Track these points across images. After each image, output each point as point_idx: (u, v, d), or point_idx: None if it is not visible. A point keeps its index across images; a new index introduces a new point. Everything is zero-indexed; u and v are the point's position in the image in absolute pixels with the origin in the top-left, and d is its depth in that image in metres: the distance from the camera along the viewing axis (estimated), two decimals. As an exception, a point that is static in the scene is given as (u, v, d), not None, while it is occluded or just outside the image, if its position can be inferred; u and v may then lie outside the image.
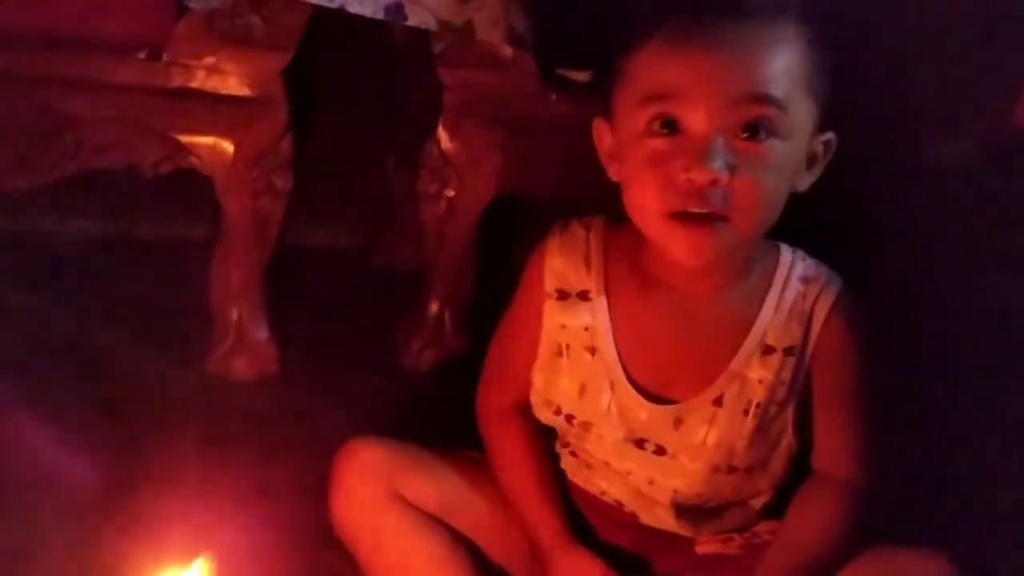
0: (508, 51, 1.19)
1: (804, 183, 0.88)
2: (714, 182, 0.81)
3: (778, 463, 0.92)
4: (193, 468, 1.09)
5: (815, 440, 0.92)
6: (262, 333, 1.27)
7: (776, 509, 0.95)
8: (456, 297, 1.32)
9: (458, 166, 1.26)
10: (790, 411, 0.90)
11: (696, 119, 0.82)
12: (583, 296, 0.92)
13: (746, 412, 0.90)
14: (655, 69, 0.83)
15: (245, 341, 1.26)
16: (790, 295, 0.90)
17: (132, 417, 1.17)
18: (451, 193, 1.27)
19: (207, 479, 1.08)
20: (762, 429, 0.90)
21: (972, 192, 1.20)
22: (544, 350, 0.93)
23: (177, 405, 1.20)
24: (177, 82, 1.17)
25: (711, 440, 0.90)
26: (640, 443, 0.91)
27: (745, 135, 0.82)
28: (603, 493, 0.95)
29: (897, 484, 0.93)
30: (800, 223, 0.89)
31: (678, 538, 0.95)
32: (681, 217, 0.83)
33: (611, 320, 0.91)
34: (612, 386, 0.91)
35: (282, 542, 1.01)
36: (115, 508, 1.02)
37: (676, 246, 0.84)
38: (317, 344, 1.34)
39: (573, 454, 0.96)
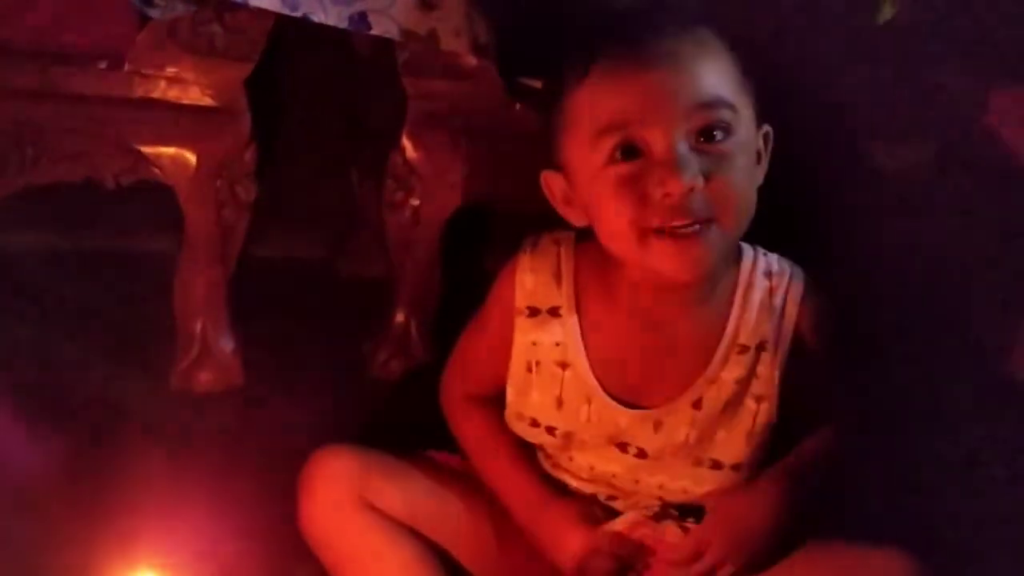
0: (472, 60, 1.19)
1: (759, 178, 0.90)
2: (691, 190, 0.82)
3: (759, 455, 0.93)
4: (158, 481, 1.08)
5: (806, 407, 0.94)
6: (227, 345, 1.26)
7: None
8: (422, 306, 1.32)
9: (423, 176, 1.26)
10: (769, 404, 0.91)
11: (655, 138, 0.83)
12: (553, 312, 0.92)
13: (724, 411, 0.91)
14: (600, 102, 0.84)
15: (210, 353, 1.25)
16: (757, 292, 0.91)
17: (94, 432, 1.16)
18: (416, 202, 1.27)
19: (172, 491, 1.07)
20: (742, 425, 0.91)
21: (925, 194, 1.22)
22: (515, 366, 0.94)
23: (140, 419, 1.19)
24: (139, 92, 1.16)
25: (693, 438, 0.91)
26: (623, 446, 0.92)
27: (704, 140, 0.84)
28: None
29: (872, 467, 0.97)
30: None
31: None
32: (665, 234, 0.84)
33: (583, 334, 0.92)
34: (589, 399, 0.92)
35: (249, 553, 1.00)
36: (78, 519, 1.01)
37: (666, 264, 0.85)
38: (282, 355, 1.33)
39: (556, 466, 0.97)
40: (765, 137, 0.90)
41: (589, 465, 0.94)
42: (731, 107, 0.84)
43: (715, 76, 0.85)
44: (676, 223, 0.83)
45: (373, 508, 0.92)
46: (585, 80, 0.85)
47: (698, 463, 0.92)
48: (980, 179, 1.18)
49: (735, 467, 0.92)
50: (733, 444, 0.91)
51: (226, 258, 1.23)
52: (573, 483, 0.96)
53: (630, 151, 0.84)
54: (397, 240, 1.29)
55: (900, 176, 1.20)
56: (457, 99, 1.22)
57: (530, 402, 0.93)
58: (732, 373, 0.91)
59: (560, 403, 0.92)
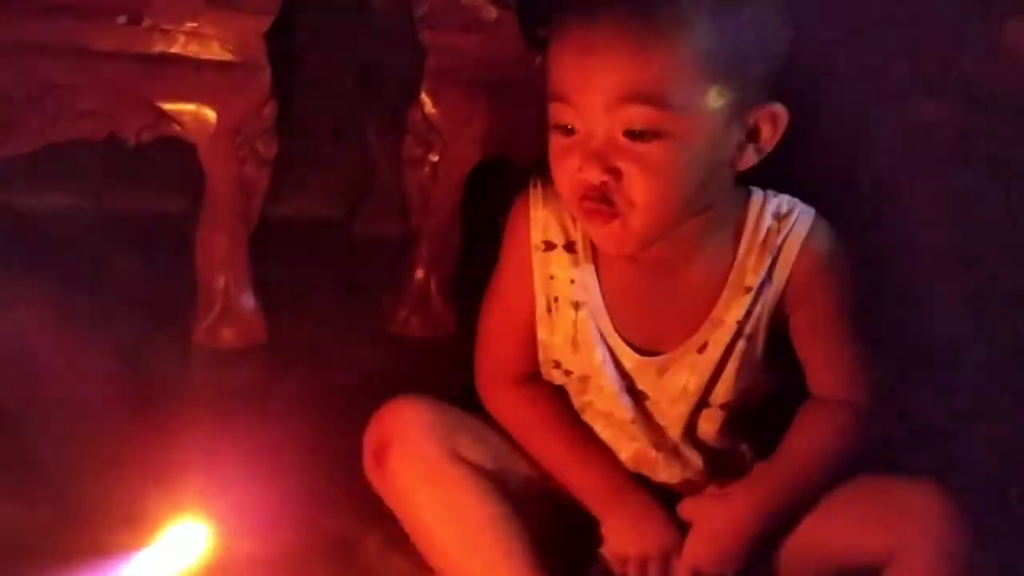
0: (492, 12, 1.19)
1: (746, 161, 0.87)
2: (604, 183, 0.82)
3: (754, 396, 0.93)
4: (185, 438, 1.09)
5: (807, 370, 0.93)
6: (249, 301, 1.26)
7: (768, 450, 0.95)
8: (442, 262, 1.32)
9: (442, 130, 1.25)
10: (759, 342, 0.91)
11: (580, 122, 0.83)
12: (569, 248, 0.92)
13: (726, 353, 0.91)
14: (552, 70, 0.85)
15: (232, 310, 1.25)
16: (763, 233, 0.91)
17: (119, 389, 1.16)
18: (435, 158, 1.26)
19: (199, 448, 1.07)
20: (740, 366, 0.91)
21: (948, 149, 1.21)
22: (539, 306, 0.93)
23: (165, 376, 1.19)
24: (158, 47, 1.15)
25: (692, 386, 0.91)
26: (631, 390, 0.92)
27: (629, 137, 0.82)
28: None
29: (891, 409, 0.95)
30: (773, 179, 0.91)
31: (686, 489, 0.95)
32: (587, 209, 0.85)
33: (598, 272, 0.91)
34: (603, 338, 0.91)
35: (279, 510, 1.00)
36: (118, 472, 1.02)
37: (591, 233, 0.87)
38: (303, 313, 1.33)
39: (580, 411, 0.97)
40: (770, 116, 0.85)
41: (607, 412, 0.94)
42: (665, 105, 0.80)
43: (657, 72, 0.80)
44: (589, 204, 0.84)
45: (464, 460, 0.89)
46: (550, 43, 0.85)
47: (695, 409, 0.92)
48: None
49: (723, 406, 0.92)
50: (724, 384, 0.91)
51: (247, 214, 1.23)
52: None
53: (566, 126, 0.84)
54: (416, 196, 1.29)
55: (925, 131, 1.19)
56: (476, 52, 1.22)
57: (554, 344, 0.93)
58: (735, 314, 0.90)
59: (576, 345, 0.92)
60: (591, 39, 0.81)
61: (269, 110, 1.19)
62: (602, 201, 0.83)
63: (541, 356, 0.95)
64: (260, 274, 1.28)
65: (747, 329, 0.91)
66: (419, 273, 1.32)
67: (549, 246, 0.92)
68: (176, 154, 1.23)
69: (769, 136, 0.86)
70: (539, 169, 0.94)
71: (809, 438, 0.91)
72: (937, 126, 1.15)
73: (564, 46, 0.83)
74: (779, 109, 0.86)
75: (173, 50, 1.16)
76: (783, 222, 0.91)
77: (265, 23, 1.16)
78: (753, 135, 0.86)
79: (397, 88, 1.32)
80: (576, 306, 0.92)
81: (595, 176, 0.82)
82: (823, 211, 0.94)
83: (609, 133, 0.82)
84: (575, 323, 0.92)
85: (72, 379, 1.12)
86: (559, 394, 0.96)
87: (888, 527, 0.86)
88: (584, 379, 0.93)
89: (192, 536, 0.71)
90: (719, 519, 0.88)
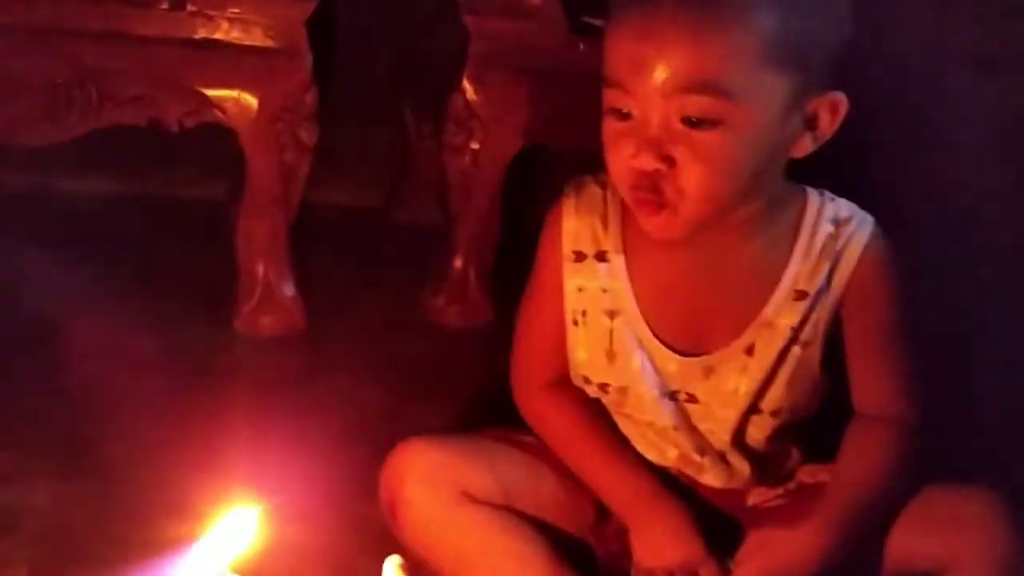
0: (536, -3, 1.17)
1: (802, 149, 0.85)
2: (656, 171, 0.81)
3: (809, 405, 0.92)
4: (226, 423, 1.09)
5: (856, 381, 0.91)
6: (289, 289, 1.26)
7: (815, 452, 0.95)
8: (481, 252, 1.31)
9: (483, 118, 1.24)
10: (817, 350, 0.90)
11: (637, 109, 0.82)
12: (600, 257, 0.91)
13: (779, 358, 0.89)
14: (608, 54, 0.83)
15: (272, 297, 1.25)
16: (820, 238, 0.89)
17: (162, 375, 1.16)
18: (476, 146, 1.25)
19: (240, 434, 1.07)
20: (793, 373, 0.89)
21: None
22: (567, 315, 0.92)
23: (208, 362, 1.20)
24: (201, 33, 1.15)
25: (743, 389, 0.89)
26: (673, 395, 0.91)
27: (686, 124, 0.80)
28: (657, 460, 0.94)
29: (940, 421, 0.93)
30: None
31: (730, 492, 0.94)
32: (638, 199, 0.84)
33: (631, 278, 0.90)
34: (641, 344, 0.90)
35: (320, 495, 1.01)
36: (169, 458, 1.02)
37: (640, 219, 0.85)
38: (342, 301, 1.33)
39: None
40: (831, 105, 0.83)
41: (648, 422, 0.92)
42: (724, 94, 0.79)
43: (718, 56, 0.78)
44: (640, 192, 0.83)
45: (472, 498, 0.87)
46: (608, 28, 0.84)
47: (746, 414, 0.90)
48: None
49: (774, 413, 0.91)
50: (776, 390, 0.90)
51: (288, 202, 1.22)
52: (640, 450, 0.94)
53: (619, 110, 0.83)
54: (456, 184, 1.28)
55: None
56: (520, 38, 1.20)
57: (578, 360, 0.92)
58: (788, 319, 0.89)
59: (612, 356, 0.90)
60: (650, 25, 0.79)
61: (311, 97, 1.18)
62: (652, 190, 0.82)
63: (572, 372, 0.94)
64: (299, 261, 1.28)
65: (803, 336, 0.89)
66: (458, 262, 1.31)
67: (580, 257, 0.91)
68: (218, 140, 1.23)
69: (828, 124, 0.85)
70: (574, 175, 0.94)
71: (867, 466, 0.88)
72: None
73: (622, 31, 0.82)
74: (839, 97, 0.84)
75: (216, 36, 1.15)
76: (842, 228, 0.89)
77: (307, 9, 1.16)
78: (811, 123, 0.84)
79: (437, 75, 1.31)
80: (610, 315, 0.90)
81: (649, 163, 0.81)
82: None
83: (665, 120, 0.80)
84: (610, 332, 0.90)
85: (116, 364, 1.13)
86: (592, 401, 0.94)
87: (943, 535, 0.84)
88: (622, 390, 0.92)
89: (242, 523, 0.71)
90: (786, 558, 0.85)
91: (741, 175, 0.83)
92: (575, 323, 0.91)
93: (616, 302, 0.90)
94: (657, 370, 0.90)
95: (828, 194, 0.92)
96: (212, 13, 1.14)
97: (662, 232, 0.85)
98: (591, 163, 0.96)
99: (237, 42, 1.16)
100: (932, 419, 0.90)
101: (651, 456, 0.94)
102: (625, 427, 0.94)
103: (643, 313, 0.90)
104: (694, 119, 0.80)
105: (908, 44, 1.11)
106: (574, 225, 0.91)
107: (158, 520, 0.94)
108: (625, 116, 0.83)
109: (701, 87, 0.79)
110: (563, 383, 0.94)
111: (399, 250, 1.43)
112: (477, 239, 1.30)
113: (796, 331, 0.89)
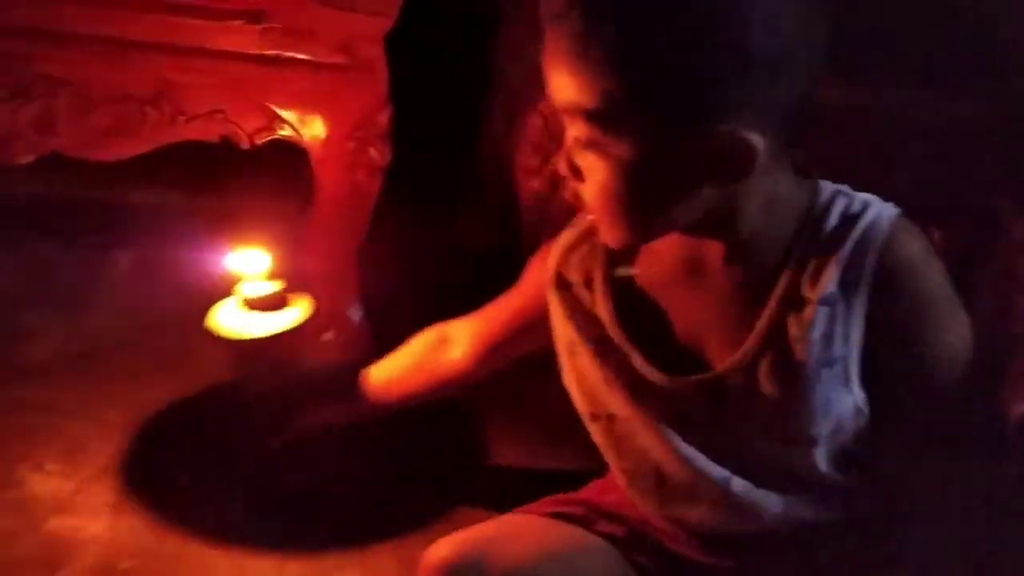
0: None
1: (724, 183, 0.78)
2: (569, 179, 0.82)
3: (847, 433, 0.83)
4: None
5: (885, 401, 0.82)
6: (355, 314, 1.23)
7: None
8: (553, 277, 1.27)
9: (561, 140, 1.20)
10: (845, 367, 0.80)
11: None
12: (588, 285, 0.88)
13: (790, 374, 0.81)
14: None
15: (338, 320, 1.22)
16: (822, 238, 0.80)
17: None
18: (551, 168, 1.22)
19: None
20: (811, 391, 0.80)
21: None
22: (560, 348, 0.90)
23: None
24: (274, 49, 1.13)
25: (753, 404, 0.82)
26: (681, 420, 0.85)
27: (578, 144, 0.79)
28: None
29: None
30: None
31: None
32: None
33: (616, 303, 0.86)
34: (629, 370, 0.85)
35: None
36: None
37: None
38: (406, 322, 1.30)
39: (624, 471, 0.91)
40: (730, 142, 0.75)
41: (644, 449, 0.87)
42: (599, 126, 0.76)
43: (590, 93, 0.75)
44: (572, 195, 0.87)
45: None
46: None
47: (768, 434, 0.83)
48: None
49: (810, 441, 0.82)
50: (804, 413, 0.81)
51: (356, 223, 1.20)
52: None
53: None
54: (530, 207, 1.25)
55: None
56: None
57: (577, 389, 0.89)
58: (793, 329, 0.80)
59: (608, 383, 0.87)
60: (550, 47, 0.78)
61: (385, 116, 1.15)
62: (576, 196, 0.83)
63: (577, 407, 0.91)
64: (365, 282, 1.25)
65: (815, 347, 0.79)
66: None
67: (565, 285, 0.89)
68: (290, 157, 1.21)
69: (739, 160, 0.77)
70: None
71: None
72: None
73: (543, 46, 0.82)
74: (730, 128, 0.76)
75: (288, 52, 1.13)
76: (851, 226, 0.80)
77: (383, 25, 1.13)
78: (719, 159, 0.77)
79: (513, 96, 1.28)
80: (599, 342, 0.87)
81: (562, 168, 0.82)
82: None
83: (570, 135, 0.81)
84: (602, 359, 0.87)
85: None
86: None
87: None
88: (627, 421, 0.87)
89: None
90: None
91: (633, 201, 0.78)
92: (571, 354, 0.89)
93: (603, 330, 0.86)
94: (654, 394, 0.85)
95: (844, 189, 0.83)
96: (287, 28, 1.12)
97: (603, 236, 0.83)
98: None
99: (310, 58, 1.13)
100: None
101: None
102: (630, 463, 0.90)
103: (632, 336, 0.85)
104: (583, 140, 0.78)
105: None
106: (562, 252, 0.90)
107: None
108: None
109: (581, 113, 0.77)
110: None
111: (463, 271, 1.40)
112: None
113: (809, 343, 0.80)
